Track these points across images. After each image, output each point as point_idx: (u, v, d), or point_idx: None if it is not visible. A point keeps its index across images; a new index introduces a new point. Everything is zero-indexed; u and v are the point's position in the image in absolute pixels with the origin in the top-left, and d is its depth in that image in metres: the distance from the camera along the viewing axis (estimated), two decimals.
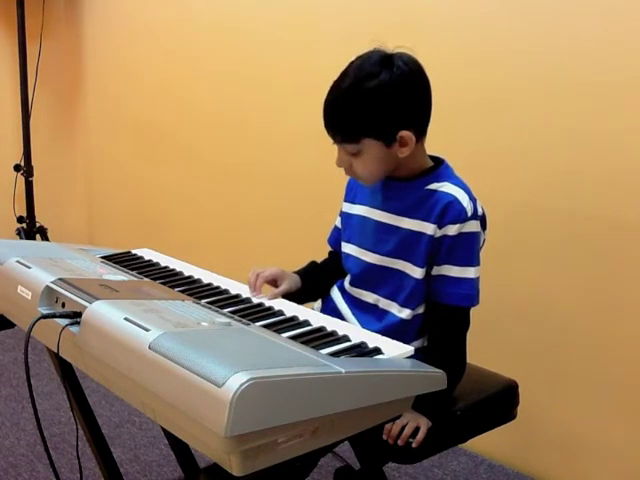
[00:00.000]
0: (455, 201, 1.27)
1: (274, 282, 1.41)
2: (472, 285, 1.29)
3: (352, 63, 1.28)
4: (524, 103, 1.82)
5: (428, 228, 1.28)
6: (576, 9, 1.71)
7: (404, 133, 1.25)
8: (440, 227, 1.27)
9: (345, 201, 1.48)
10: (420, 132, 1.29)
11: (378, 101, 1.23)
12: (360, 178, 1.34)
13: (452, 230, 1.26)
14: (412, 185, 1.33)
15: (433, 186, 1.30)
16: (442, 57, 1.96)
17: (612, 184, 1.69)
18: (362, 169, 1.30)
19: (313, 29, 2.29)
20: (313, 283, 1.49)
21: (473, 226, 1.28)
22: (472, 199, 1.29)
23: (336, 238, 1.51)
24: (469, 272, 1.28)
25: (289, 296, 1.38)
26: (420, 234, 1.29)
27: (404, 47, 1.28)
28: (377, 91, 1.23)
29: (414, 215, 1.30)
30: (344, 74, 1.27)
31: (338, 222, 1.52)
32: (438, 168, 1.34)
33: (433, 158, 1.36)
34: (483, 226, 1.33)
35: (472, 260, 1.29)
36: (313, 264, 1.55)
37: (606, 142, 1.69)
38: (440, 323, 1.32)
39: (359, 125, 1.25)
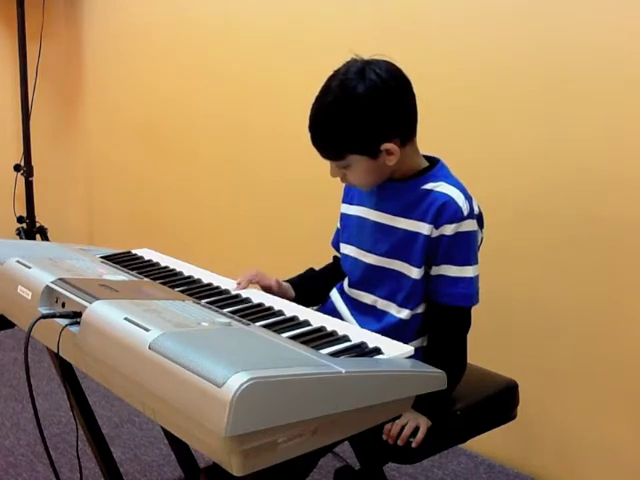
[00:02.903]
0: (451, 201, 1.27)
1: (269, 289, 1.42)
2: (471, 284, 1.29)
3: (331, 78, 1.27)
4: (523, 105, 1.82)
5: (424, 228, 1.28)
6: (576, 11, 1.71)
7: (387, 145, 1.25)
8: (436, 227, 1.27)
9: (343, 202, 1.48)
10: (406, 137, 1.29)
11: (356, 119, 1.23)
12: (356, 186, 1.36)
13: (449, 230, 1.26)
14: (408, 185, 1.33)
15: (429, 186, 1.30)
16: (441, 58, 1.96)
17: (612, 185, 1.69)
18: (354, 179, 1.33)
19: (314, 29, 2.29)
20: (308, 291, 1.49)
21: (469, 225, 1.28)
22: (468, 198, 1.29)
23: (338, 240, 1.51)
24: (467, 271, 1.28)
25: None
26: (416, 234, 1.29)
27: (380, 54, 1.27)
28: (354, 109, 1.23)
29: (410, 215, 1.31)
30: (324, 91, 1.27)
31: (339, 224, 1.52)
32: (433, 168, 1.34)
33: (428, 158, 1.36)
34: (480, 225, 1.33)
35: (470, 259, 1.29)
36: (310, 271, 1.55)
37: (606, 143, 1.69)
38: (440, 323, 1.32)
39: (341, 144, 1.26)
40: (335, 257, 1.57)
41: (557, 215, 1.79)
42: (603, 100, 1.68)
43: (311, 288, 1.51)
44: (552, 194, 1.80)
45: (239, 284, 1.36)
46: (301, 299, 1.44)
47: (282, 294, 1.42)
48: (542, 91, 1.78)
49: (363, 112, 1.23)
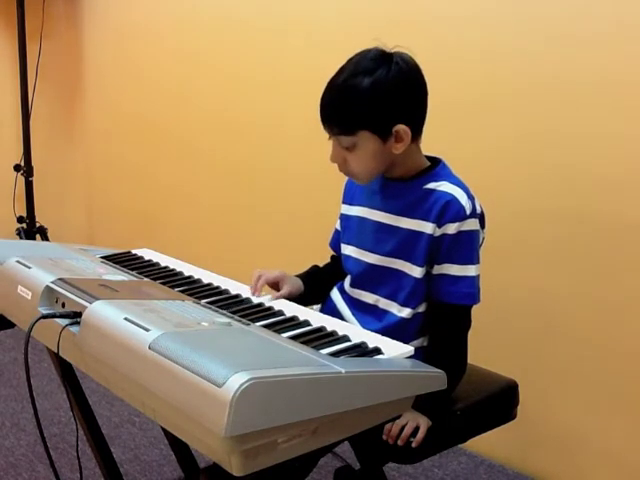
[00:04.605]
0: (454, 200, 1.27)
1: (276, 285, 1.42)
2: (473, 283, 1.29)
3: (350, 59, 1.28)
4: (524, 103, 1.82)
5: (427, 227, 1.28)
6: (575, 10, 1.70)
7: (400, 127, 1.25)
8: (439, 226, 1.27)
9: (343, 203, 1.48)
10: (416, 130, 1.29)
11: (376, 94, 1.23)
12: (354, 175, 1.33)
13: (451, 229, 1.26)
14: (410, 185, 1.33)
15: (431, 185, 1.31)
16: (442, 57, 1.96)
17: (613, 183, 1.69)
18: (356, 164, 1.30)
19: (315, 27, 2.29)
20: (315, 287, 1.49)
21: (472, 224, 1.28)
22: (470, 197, 1.29)
23: (337, 241, 1.51)
24: (469, 270, 1.28)
25: (290, 299, 1.38)
26: (419, 233, 1.29)
27: (403, 47, 1.28)
28: (375, 84, 1.23)
29: (413, 215, 1.31)
30: (342, 69, 1.28)
31: (338, 225, 1.52)
32: (435, 168, 1.34)
33: (430, 158, 1.37)
34: (482, 224, 1.34)
35: (472, 258, 1.29)
36: (315, 268, 1.55)
37: (606, 141, 1.69)
38: (442, 322, 1.32)
39: (356, 117, 1.25)
40: (333, 257, 1.57)
41: (557, 214, 1.79)
42: (604, 99, 1.68)
43: (317, 284, 1.50)
44: (552, 193, 1.80)
45: (255, 292, 1.35)
46: (308, 295, 1.45)
47: (291, 285, 1.41)
48: (544, 89, 1.78)
49: (385, 89, 1.23)
